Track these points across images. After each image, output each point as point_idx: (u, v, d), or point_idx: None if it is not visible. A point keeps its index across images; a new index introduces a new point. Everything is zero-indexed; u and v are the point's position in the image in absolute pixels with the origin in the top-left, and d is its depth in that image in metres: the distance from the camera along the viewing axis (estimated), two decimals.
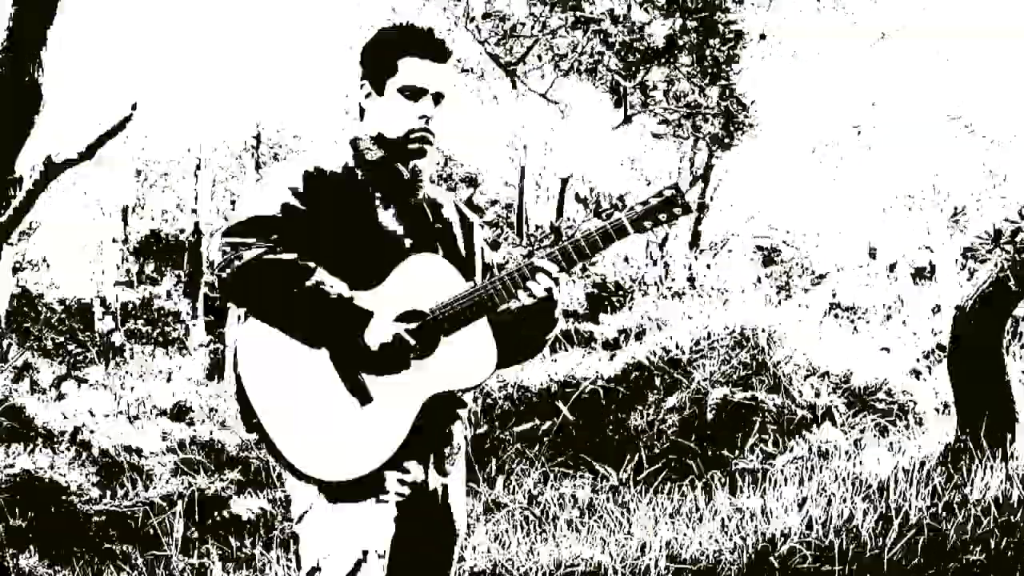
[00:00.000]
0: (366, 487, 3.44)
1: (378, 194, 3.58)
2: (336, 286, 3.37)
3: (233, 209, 26.85)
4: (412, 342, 3.40)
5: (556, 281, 3.50)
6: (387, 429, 3.42)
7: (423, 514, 3.60)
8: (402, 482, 3.51)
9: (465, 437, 3.80)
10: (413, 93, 3.56)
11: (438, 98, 3.59)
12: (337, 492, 3.44)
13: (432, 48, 3.58)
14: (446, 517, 3.70)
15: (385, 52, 3.60)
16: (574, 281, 20.23)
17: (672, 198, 3.52)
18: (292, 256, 3.36)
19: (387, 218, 3.55)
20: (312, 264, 3.37)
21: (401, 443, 3.42)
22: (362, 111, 3.71)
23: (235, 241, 3.38)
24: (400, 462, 3.48)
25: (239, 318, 3.49)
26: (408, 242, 3.56)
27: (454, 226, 3.79)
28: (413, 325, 3.42)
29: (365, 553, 3.44)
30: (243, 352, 3.43)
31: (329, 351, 3.42)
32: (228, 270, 3.34)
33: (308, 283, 3.33)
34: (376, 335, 3.37)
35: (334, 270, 3.41)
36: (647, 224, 3.51)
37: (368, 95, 3.64)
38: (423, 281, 3.50)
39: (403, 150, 3.61)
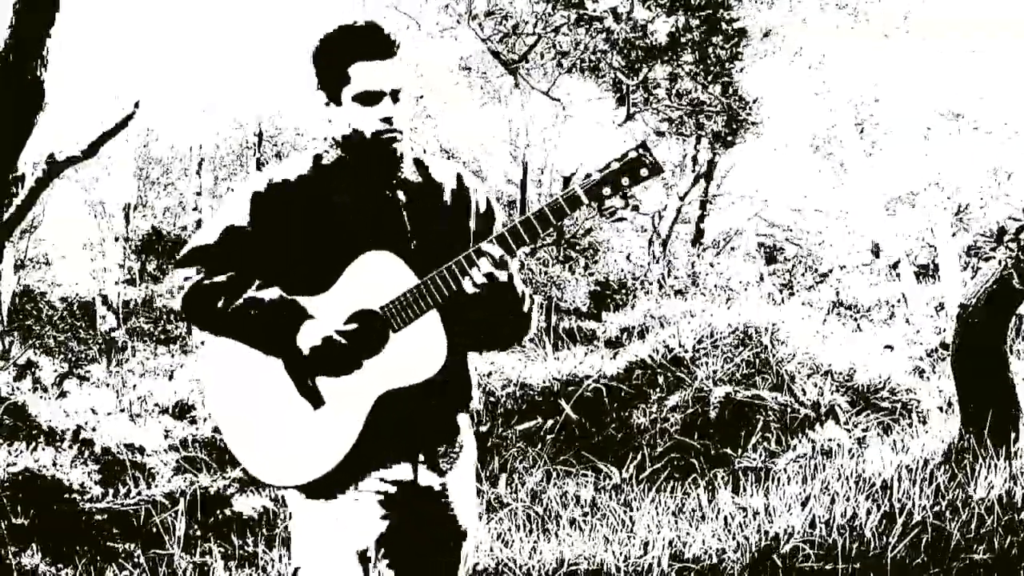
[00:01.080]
0: (336, 485, 3.45)
1: (335, 197, 3.54)
2: (269, 295, 3.41)
3: None
4: (343, 342, 3.39)
5: (500, 264, 3.40)
6: (339, 430, 3.42)
7: (418, 512, 3.59)
8: (383, 480, 3.50)
9: (472, 436, 3.79)
10: (370, 98, 3.48)
11: (395, 95, 3.51)
12: (309, 491, 3.47)
13: (380, 46, 3.48)
14: (446, 516, 3.66)
15: (334, 60, 3.50)
16: (577, 280, 20.21)
17: (636, 159, 3.39)
18: (224, 277, 3.45)
19: (341, 219, 3.53)
20: (248, 280, 3.44)
21: (353, 443, 3.42)
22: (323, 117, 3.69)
23: (179, 272, 3.53)
24: (379, 461, 3.49)
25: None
26: (366, 240, 3.50)
27: (440, 205, 3.70)
28: (350, 327, 3.42)
29: (341, 552, 3.45)
30: (204, 364, 3.53)
31: (282, 358, 3.45)
32: (180, 300, 3.50)
33: (241, 298, 3.40)
34: (306, 339, 3.38)
35: (288, 280, 3.46)
36: (606, 191, 3.39)
37: (326, 104, 3.58)
38: (374, 280, 3.47)
39: (373, 152, 3.56)
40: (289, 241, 3.49)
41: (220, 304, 3.41)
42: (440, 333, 3.50)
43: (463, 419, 3.70)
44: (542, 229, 3.42)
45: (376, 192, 3.59)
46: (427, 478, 3.59)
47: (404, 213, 3.59)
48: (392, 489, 3.52)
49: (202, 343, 3.55)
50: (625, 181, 3.38)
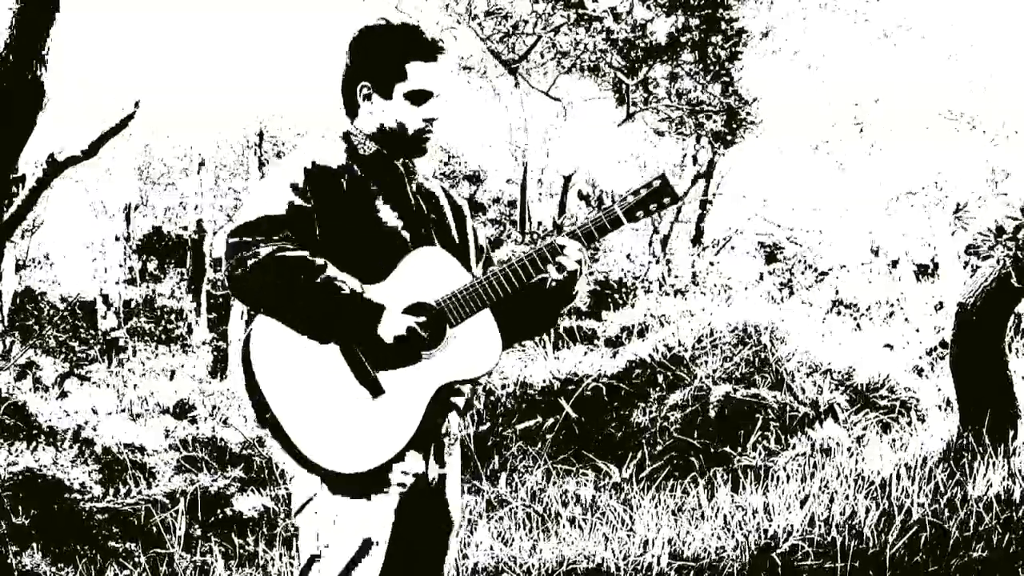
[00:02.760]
0: (371, 478, 3.47)
1: (374, 188, 3.60)
2: (348, 281, 3.41)
3: (236, 206, 26.84)
4: (423, 334, 3.44)
5: (579, 260, 3.60)
6: (398, 421, 3.45)
7: (420, 504, 3.63)
8: (404, 473, 3.52)
9: (460, 427, 3.84)
10: (422, 96, 3.61)
11: (439, 98, 3.65)
12: (341, 483, 3.47)
13: (436, 51, 3.62)
14: (442, 507, 3.72)
15: (391, 55, 3.60)
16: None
17: (662, 187, 3.62)
18: (303, 253, 3.39)
19: (385, 212, 3.58)
20: (322, 260, 3.41)
21: (413, 434, 3.46)
22: (352, 106, 3.74)
23: (246, 240, 3.42)
24: (403, 453, 3.50)
25: (242, 315, 3.57)
26: (406, 235, 3.59)
27: (447, 214, 3.83)
28: (423, 318, 3.47)
29: (367, 542, 3.47)
30: (256, 348, 3.45)
31: (340, 345, 3.45)
32: (241, 268, 3.38)
33: (320, 279, 3.37)
34: (389, 328, 3.41)
35: (340, 265, 3.45)
36: (639, 214, 3.62)
37: (367, 96, 3.65)
38: (427, 274, 3.54)
39: (407, 146, 3.67)
40: (339, 225, 3.52)
41: (301, 280, 3.37)
42: (494, 329, 3.60)
43: (455, 413, 3.77)
44: (589, 241, 3.64)
45: (406, 190, 3.69)
46: (432, 470, 3.65)
47: (428, 214, 3.73)
48: (410, 482, 3.55)
49: (242, 315, 3.54)
50: (652, 207, 3.62)
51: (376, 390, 3.45)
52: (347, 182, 3.56)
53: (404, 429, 3.45)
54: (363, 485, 3.47)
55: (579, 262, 3.60)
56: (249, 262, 3.37)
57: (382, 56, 3.62)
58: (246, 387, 3.43)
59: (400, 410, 3.46)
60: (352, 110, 3.74)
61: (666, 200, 3.62)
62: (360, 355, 3.45)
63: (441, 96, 3.65)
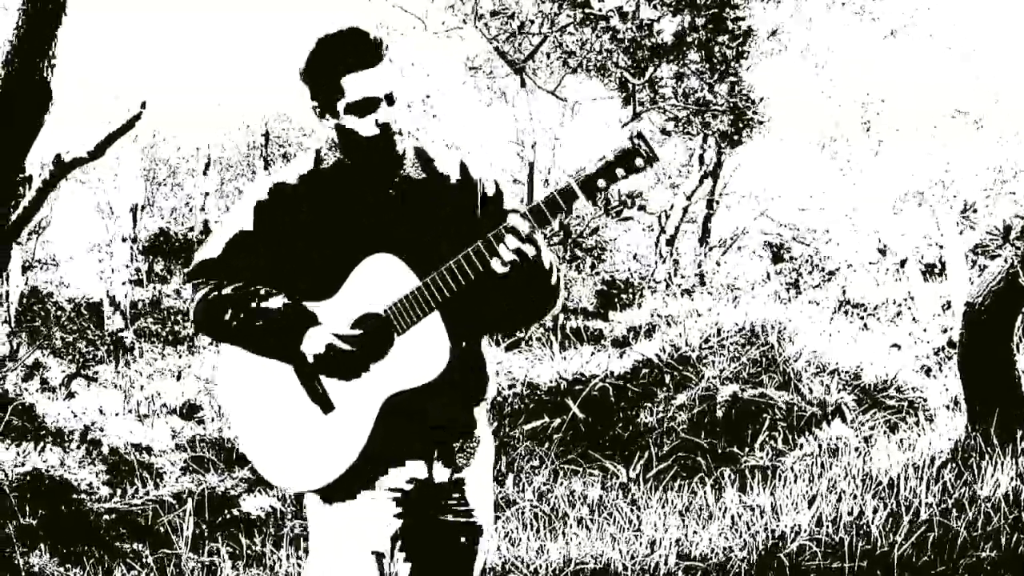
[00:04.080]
0: (351, 487, 3.49)
1: (330, 201, 3.57)
2: (274, 303, 3.46)
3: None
4: (346, 348, 3.42)
5: (528, 238, 3.40)
6: (348, 434, 3.46)
7: (431, 509, 3.61)
8: (396, 479, 3.52)
9: (489, 429, 3.82)
10: (366, 106, 3.49)
11: (390, 98, 3.52)
12: (326, 495, 3.51)
13: (368, 54, 3.49)
14: (462, 511, 3.69)
15: (327, 74, 3.51)
16: (584, 279, 20.22)
17: (632, 149, 3.39)
18: (230, 289, 3.53)
19: (343, 223, 3.55)
20: (255, 288, 3.50)
21: (363, 447, 3.45)
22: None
23: (191, 285, 3.65)
24: (395, 460, 3.51)
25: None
26: (365, 244, 3.51)
27: (444, 198, 3.69)
28: (353, 332, 3.45)
29: (353, 549, 3.49)
30: (219, 371, 3.60)
31: (291, 364, 3.49)
32: (191, 311, 3.63)
33: (247, 308, 3.48)
34: (310, 345, 3.43)
35: (294, 286, 3.51)
36: (600, 183, 3.40)
37: (321, 115, 3.59)
38: (378, 283, 3.49)
39: (372, 154, 3.58)
40: (293, 245, 3.53)
41: (227, 316, 3.49)
42: (442, 334, 3.52)
43: (480, 412, 3.73)
44: (552, 213, 3.44)
45: (377, 193, 3.61)
46: (442, 474, 3.61)
47: (407, 212, 3.61)
48: (408, 487, 3.54)
49: (216, 348, 3.66)
50: (620, 172, 3.39)
51: (327, 406, 3.47)
52: (306, 199, 3.56)
53: (353, 443, 3.45)
54: (344, 493, 3.50)
55: (518, 252, 3.39)
56: (190, 307, 3.63)
57: (319, 76, 3.53)
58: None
59: (349, 424, 3.46)
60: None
61: (639, 162, 3.38)
62: (307, 372, 3.47)
63: (397, 97, 3.54)
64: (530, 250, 3.41)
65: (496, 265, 3.42)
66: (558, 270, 3.68)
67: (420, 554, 3.62)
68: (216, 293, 3.53)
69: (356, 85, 3.48)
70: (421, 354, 3.49)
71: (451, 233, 3.60)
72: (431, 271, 3.47)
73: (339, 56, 3.48)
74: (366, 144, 3.54)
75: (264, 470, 3.49)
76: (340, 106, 3.51)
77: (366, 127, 3.51)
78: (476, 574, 3.74)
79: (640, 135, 3.40)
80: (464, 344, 3.60)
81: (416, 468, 3.56)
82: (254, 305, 3.47)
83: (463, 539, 3.70)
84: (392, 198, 3.62)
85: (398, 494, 3.53)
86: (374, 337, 3.46)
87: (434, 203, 3.66)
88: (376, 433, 3.45)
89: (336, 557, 3.50)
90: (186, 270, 3.66)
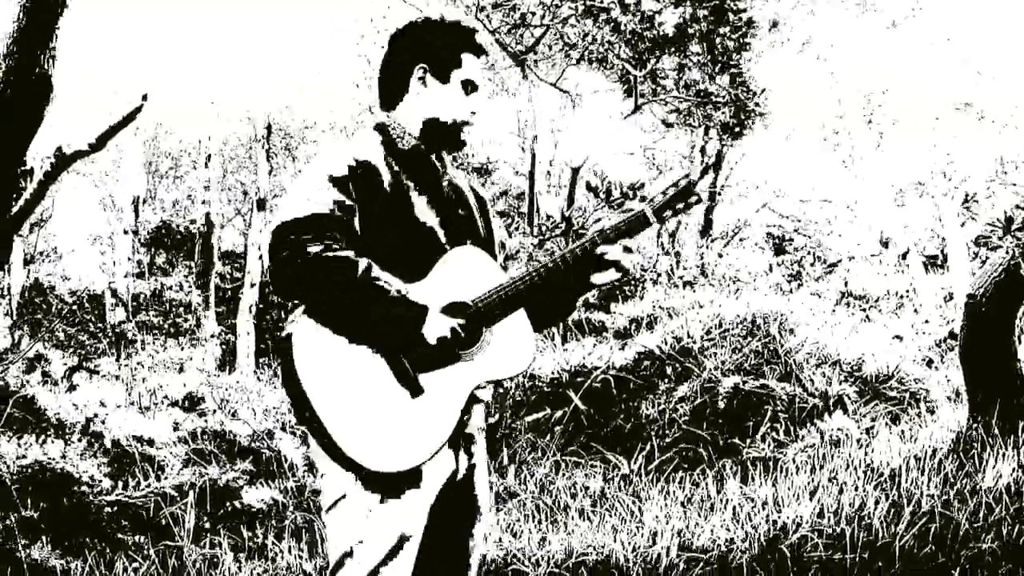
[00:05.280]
0: (406, 476, 3.48)
1: (412, 184, 3.63)
2: (392, 282, 3.43)
3: (245, 197, 26.86)
4: (463, 335, 3.46)
5: (627, 250, 3.67)
6: (436, 422, 3.47)
7: (452, 498, 3.64)
8: (438, 470, 3.53)
9: (487, 418, 3.87)
10: (472, 86, 3.73)
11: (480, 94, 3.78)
12: (377, 481, 3.48)
13: (483, 48, 3.78)
14: (472, 499, 3.74)
15: (449, 44, 3.73)
16: None
17: (687, 188, 3.69)
18: (348, 253, 3.40)
19: (423, 210, 3.62)
20: (367, 261, 3.42)
21: (451, 433, 3.48)
22: (397, 94, 3.78)
23: (292, 237, 3.41)
24: (438, 452, 3.52)
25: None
26: (442, 233, 3.63)
27: (474, 208, 3.87)
28: (461, 319, 3.49)
29: (402, 538, 3.48)
30: (298, 344, 3.46)
31: (382, 345, 3.46)
32: (289, 267, 3.38)
33: (366, 280, 3.38)
34: (433, 329, 3.42)
35: (380, 263, 3.46)
36: (667, 215, 3.70)
37: (422, 79, 3.72)
38: (465, 273, 3.57)
39: (450, 138, 3.73)
40: (379, 223, 3.55)
41: (349, 280, 3.36)
42: (528, 329, 3.64)
43: (481, 405, 3.78)
44: (616, 239, 3.69)
45: (442, 183, 3.75)
46: (463, 464, 3.67)
47: (465, 206, 3.80)
48: (444, 478, 3.57)
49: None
50: (680, 207, 3.71)
51: (416, 390, 3.46)
52: (386, 178, 3.58)
53: (441, 429, 3.47)
54: (398, 483, 3.48)
55: (616, 262, 3.66)
56: (298, 260, 3.36)
57: (442, 44, 3.74)
58: (284, 383, 3.45)
59: (438, 410, 3.47)
60: (394, 100, 3.77)
61: (692, 200, 3.70)
62: (401, 355, 3.46)
63: (481, 93, 3.78)
64: (626, 260, 3.68)
65: (606, 275, 3.71)
66: None
67: (437, 539, 3.64)
68: (335, 255, 3.38)
69: (472, 65, 3.75)
70: (510, 347, 3.59)
71: (484, 238, 3.84)
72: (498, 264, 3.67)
73: (466, 36, 3.76)
74: (451, 126, 3.72)
75: (348, 447, 3.40)
76: (455, 76, 3.72)
77: (464, 107, 3.72)
78: (476, 557, 3.76)
79: (690, 178, 3.77)
80: None
81: (451, 459, 3.59)
82: (376, 277, 3.39)
83: (470, 524, 3.75)
84: (452, 190, 3.79)
85: (439, 485, 3.55)
86: (471, 326, 3.52)
87: (471, 202, 3.87)
88: (462, 420, 3.50)
89: (381, 542, 3.47)
90: (289, 217, 3.43)
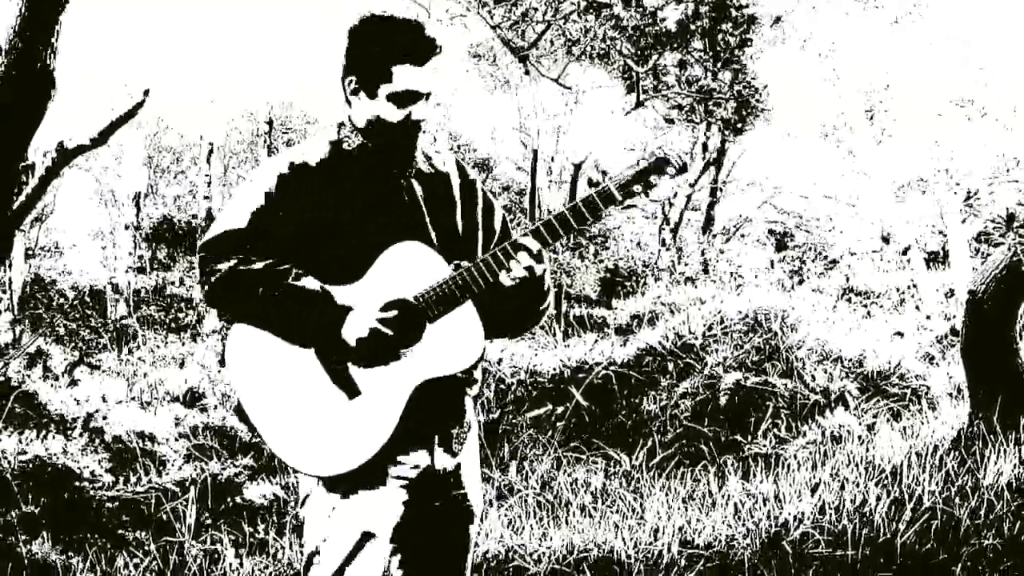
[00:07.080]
0: (362, 475, 3.46)
1: (354, 184, 3.57)
2: (309, 285, 3.41)
3: None
4: (389, 333, 3.41)
5: (537, 257, 3.49)
6: (376, 420, 3.44)
7: (435, 496, 3.61)
8: (403, 466, 3.51)
9: (476, 416, 3.81)
10: (407, 98, 3.53)
11: (428, 96, 3.57)
12: (334, 480, 3.47)
13: (425, 52, 3.52)
14: (461, 498, 3.70)
15: (378, 56, 3.52)
16: (587, 267, 20.21)
17: (664, 158, 3.53)
18: (264, 264, 3.42)
19: (364, 208, 3.55)
20: (286, 267, 3.42)
21: (391, 433, 3.43)
22: (346, 97, 3.68)
23: (208, 256, 3.47)
24: (401, 448, 3.50)
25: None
26: (388, 230, 3.53)
27: (455, 197, 3.76)
28: (391, 315, 3.43)
29: (365, 535, 3.46)
30: (232, 351, 3.50)
31: (319, 348, 3.44)
32: (207, 285, 3.45)
33: (281, 288, 3.39)
34: (353, 330, 3.39)
35: (316, 267, 3.46)
36: (636, 188, 3.55)
37: (355, 91, 3.59)
38: (406, 269, 3.50)
39: (392, 147, 3.61)
40: (315, 226, 3.50)
41: (260, 292, 3.39)
42: (476, 323, 3.56)
43: (468, 399, 3.73)
44: (577, 223, 3.53)
45: (395, 182, 3.62)
46: (442, 461, 3.62)
47: (423, 204, 3.63)
48: (413, 475, 3.54)
49: (223, 330, 3.56)
50: (653, 178, 3.53)
51: (352, 391, 3.44)
52: (327, 179, 3.54)
53: (382, 429, 3.43)
54: (353, 482, 3.47)
55: (528, 268, 3.49)
56: (212, 278, 3.43)
57: (370, 54, 3.53)
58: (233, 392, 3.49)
59: (378, 410, 3.44)
60: (347, 100, 3.69)
61: (670, 169, 3.55)
62: (339, 357, 3.44)
63: (431, 95, 3.59)
64: (538, 268, 3.52)
65: (504, 278, 3.50)
66: (552, 291, 3.79)
67: (419, 540, 3.62)
68: (246, 267, 3.41)
69: (405, 77, 3.51)
70: (456, 342, 3.51)
71: (457, 231, 3.70)
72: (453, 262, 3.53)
73: (397, 43, 3.50)
74: (392, 130, 3.55)
75: (283, 453, 3.43)
76: (382, 91, 3.52)
77: (399, 117, 3.53)
78: (469, 558, 3.75)
79: (662, 150, 3.56)
80: None
81: (419, 456, 3.55)
82: (290, 284, 3.40)
83: (459, 524, 3.72)
84: (408, 188, 3.65)
85: (405, 482, 3.52)
86: (409, 323, 3.46)
87: (443, 199, 3.72)
88: (403, 420, 3.45)
89: (340, 542, 3.47)
90: (204, 239, 3.50)
